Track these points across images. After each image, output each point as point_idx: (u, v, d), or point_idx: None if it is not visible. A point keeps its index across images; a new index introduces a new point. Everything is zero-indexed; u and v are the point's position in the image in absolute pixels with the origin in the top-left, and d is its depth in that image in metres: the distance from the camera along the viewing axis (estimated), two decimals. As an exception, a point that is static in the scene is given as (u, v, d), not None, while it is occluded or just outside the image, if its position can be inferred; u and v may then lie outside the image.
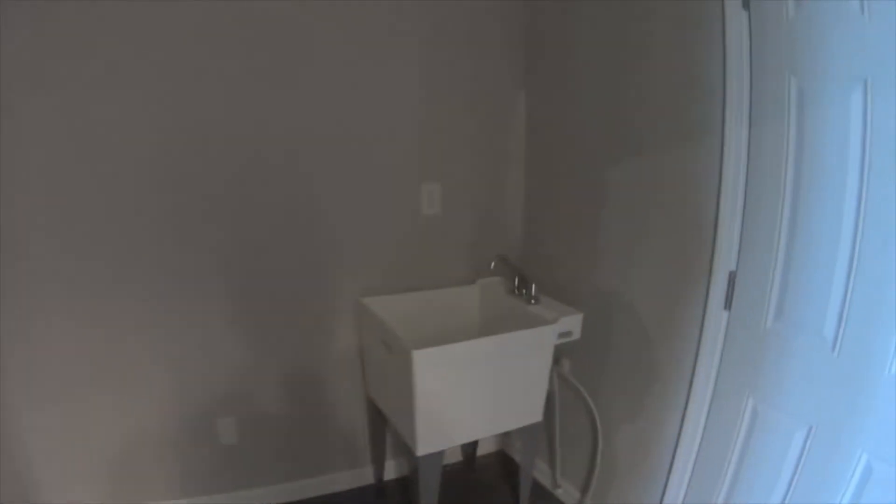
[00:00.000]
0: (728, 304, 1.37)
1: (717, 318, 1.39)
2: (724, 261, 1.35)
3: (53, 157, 1.50)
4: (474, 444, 2.27)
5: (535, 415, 1.76)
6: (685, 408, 1.50)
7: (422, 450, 1.58)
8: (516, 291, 1.90)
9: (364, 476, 2.16)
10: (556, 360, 1.91)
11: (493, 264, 1.91)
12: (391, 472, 2.19)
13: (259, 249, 1.77)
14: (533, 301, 1.83)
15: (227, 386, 1.85)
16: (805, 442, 1.24)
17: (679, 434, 1.53)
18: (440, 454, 1.62)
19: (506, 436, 2.35)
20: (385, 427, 2.03)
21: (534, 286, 1.84)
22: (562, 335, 1.71)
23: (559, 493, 2.05)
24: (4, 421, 1.61)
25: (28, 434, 1.65)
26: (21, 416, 1.63)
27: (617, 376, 1.75)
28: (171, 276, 1.69)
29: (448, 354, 1.50)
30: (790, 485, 1.26)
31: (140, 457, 1.81)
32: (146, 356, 1.73)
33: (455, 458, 2.30)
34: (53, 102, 1.46)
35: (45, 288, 1.57)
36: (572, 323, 1.73)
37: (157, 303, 1.69)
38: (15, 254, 1.51)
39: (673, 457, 1.55)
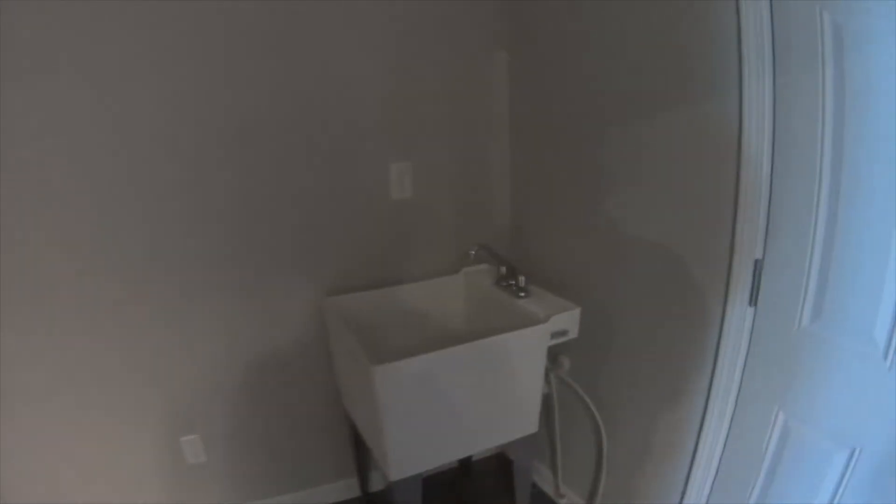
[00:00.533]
0: (753, 298, 1.12)
1: (739, 315, 1.14)
2: (747, 247, 1.10)
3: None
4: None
5: (529, 425, 1.54)
6: (702, 421, 1.27)
7: (395, 474, 1.37)
8: (504, 283, 1.67)
9: (351, 488, 1.98)
10: (554, 359, 1.68)
11: (473, 253, 1.66)
12: (379, 482, 2.00)
13: (205, 241, 1.54)
14: (522, 294, 1.59)
15: (188, 396, 1.66)
16: (846, 468, 1.01)
17: (695, 451, 1.30)
18: (417, 477, 1.42)
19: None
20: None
21: (522, 277, 1.60)
22: (556, 334, 1.48)
23: (563, 502, 1.84)
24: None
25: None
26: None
27: (622, 378, 1.52)
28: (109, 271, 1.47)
29: (419, 366, 1.27)
30: (829, 519, 1.04)
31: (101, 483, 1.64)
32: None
33: (450, 463, 2.11)
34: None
35: None
36: (568, 319, 1.50)
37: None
38: None
39: (688, 476, 1.33)
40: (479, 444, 1.53)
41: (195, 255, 1.53)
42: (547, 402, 1.75)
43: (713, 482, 1.29)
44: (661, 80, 1.22)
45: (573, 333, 1.51)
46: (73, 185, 1.37)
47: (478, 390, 1.40)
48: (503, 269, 1.67)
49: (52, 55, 1.26)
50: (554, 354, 1.65)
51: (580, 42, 1.45)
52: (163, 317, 1.55)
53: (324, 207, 1.63)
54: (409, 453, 1.37)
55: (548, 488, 1.93)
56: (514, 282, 1.62)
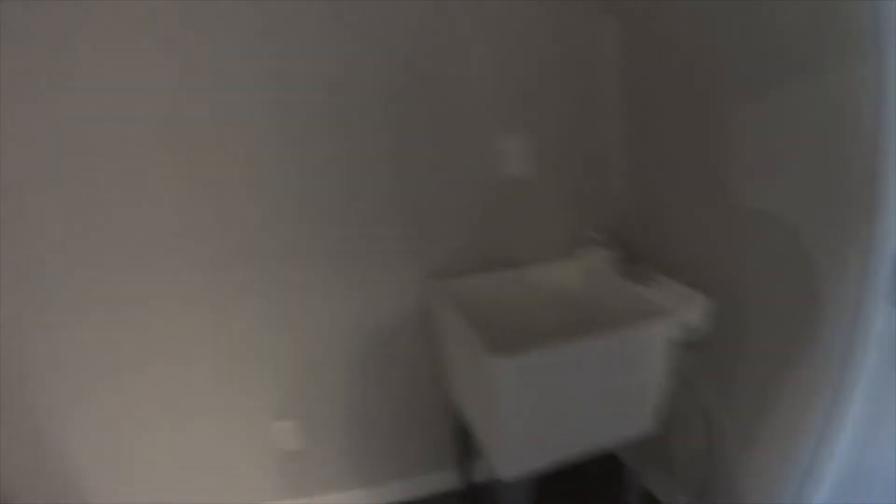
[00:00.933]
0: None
1: (884, 316, 0.95)
2: (891, 235, 0.91)
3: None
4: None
5: (647, 425, 1.41)
6: (833, 431, 1.08)
7: (507, 472, 1.29)
8: (622, 268, 1.52)
9: (450, 478, 1.92)
10: (678, 356, 1.52)
11: (589, 235, 1.52)
12: (482, 473, 1.92)
13: (307, 218, 1.52)
14: (643, 281, 1.45)
15: (289, 380, 1.65)
16: None
17: (821, 468, 1.12)
18: (528, 476, 1.32)
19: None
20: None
21: (644, 263, 1.45)
22: (684, 327, 1.33)
23: (680, 509, 1.69)
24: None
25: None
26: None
27: (751, 381, 1.34)
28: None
29: (540, 360, 1.17)
30: None
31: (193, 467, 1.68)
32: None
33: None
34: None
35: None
36: (696, 311, 1.34)
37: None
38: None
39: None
40: (596, 443, 1.41)
41: (298, 231, 1.51)
42: (667, 402, 1.59)
43: None
44: (794, 42, 1.03)
45: (702, 326, 1.36)
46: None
47: (597, 386, 1.28)
48: (621, 254, 1.53)
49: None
50: (677, 351, 1.49)
51: (701, 3, 1.27)
52: (263, 292, 1.54)
53: (428, 182, 1.56)
54: (524, 451, 1.28)
55: (662, 495, 1.78)
56: (634, 267, 1.48)
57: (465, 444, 1.78)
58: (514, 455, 1.27)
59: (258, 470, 1.74)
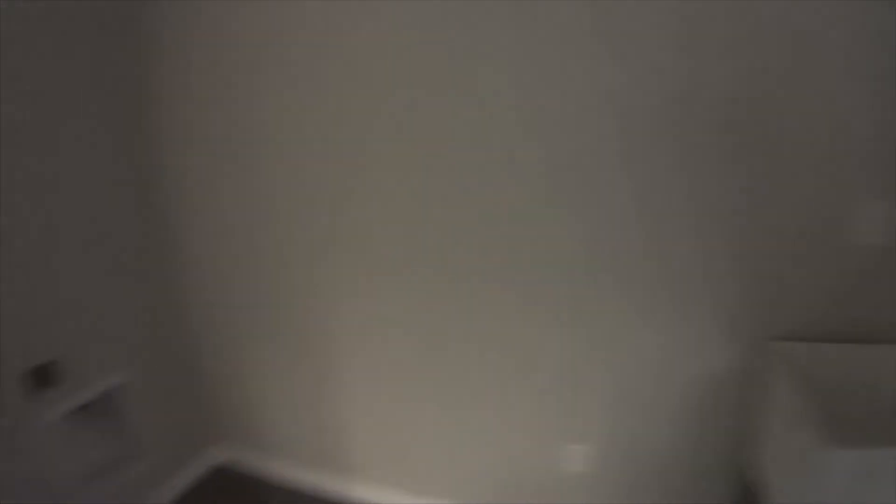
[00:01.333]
0: None
1: None
2: None
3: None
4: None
5: None
6: None
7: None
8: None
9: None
10: None
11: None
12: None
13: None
14: None
15: (589, 405, 1.72)
16: None
17: None
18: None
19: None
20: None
21: None
22: None
23: None
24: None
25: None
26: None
27: None
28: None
29: (876, 461, 1.00)
30: None
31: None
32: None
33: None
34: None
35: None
36: None
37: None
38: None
39: None
40: None
41: (642, 259, 1.50)
42: None
43: None
44: None
45: None
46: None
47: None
48: None
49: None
50: None
51: None
52: (581, 320, 1.62)
53: (780, 233, 1.38)
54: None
55: None
56: None
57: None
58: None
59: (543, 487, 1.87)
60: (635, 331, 1.57)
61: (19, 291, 1.56)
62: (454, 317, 1.74)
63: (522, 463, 1.85)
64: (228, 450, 2.35)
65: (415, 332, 1.81)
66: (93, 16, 1.70)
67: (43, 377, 1.62)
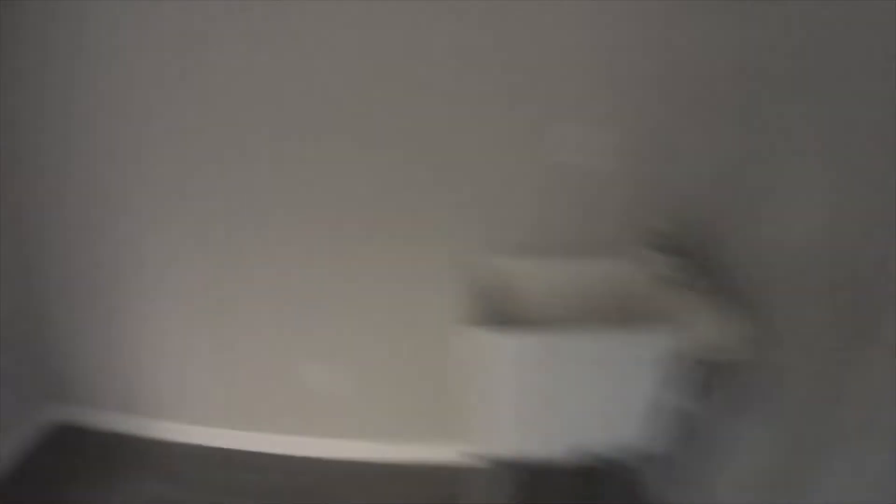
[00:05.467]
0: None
1: None
2: None
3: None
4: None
5: (638, 434, 1.38)
6: None
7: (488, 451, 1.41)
8: (674, 275, 1.46)
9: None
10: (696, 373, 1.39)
11: (646, 236, 1.47)
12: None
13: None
14: (687, 292, 1.38)
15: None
16: None
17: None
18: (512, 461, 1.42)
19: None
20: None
21: (695, 273, 1.38)
22: (703, 345, 1.26)
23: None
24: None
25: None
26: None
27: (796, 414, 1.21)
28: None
29: (528, 343, 1.24)
30: None
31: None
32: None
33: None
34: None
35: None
36: (719, 331, 1.25)
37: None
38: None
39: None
40: (582, 442, 1.42)
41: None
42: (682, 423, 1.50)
43: None
44: None
45: (728, 348, 1.27)
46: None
47: (583, 386, 1.31)
48: (676, 259, 1.46)
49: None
50: (707, 378, 1.40)
51: None
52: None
53: (483, 167, 1.61)
54: (507, 435, 1.37)
55: None
56: (682, 275, 1.42)
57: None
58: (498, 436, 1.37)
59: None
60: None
61: None
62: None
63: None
64: (67, 407, 2.17)
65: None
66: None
67: None
